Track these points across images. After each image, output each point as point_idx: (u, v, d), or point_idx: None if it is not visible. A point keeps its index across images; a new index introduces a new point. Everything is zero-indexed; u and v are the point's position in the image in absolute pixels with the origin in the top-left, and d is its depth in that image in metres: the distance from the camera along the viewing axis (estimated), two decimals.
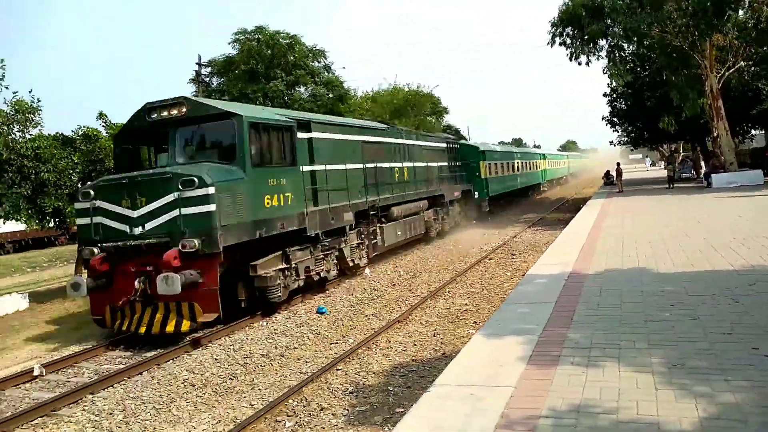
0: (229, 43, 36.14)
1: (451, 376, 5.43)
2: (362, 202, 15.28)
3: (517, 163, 39.77)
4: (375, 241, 16.14)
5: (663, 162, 55.39)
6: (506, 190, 34.88)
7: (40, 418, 7.38)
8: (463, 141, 31.19)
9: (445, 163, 23.83)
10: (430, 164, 21.63)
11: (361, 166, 15.60)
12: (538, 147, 77.24)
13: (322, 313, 11.74)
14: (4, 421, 7.14)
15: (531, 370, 5.26)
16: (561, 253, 12.13)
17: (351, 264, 14.77)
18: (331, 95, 38.14)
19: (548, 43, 30.69)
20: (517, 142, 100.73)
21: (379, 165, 16.67)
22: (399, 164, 18.55)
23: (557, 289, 8.48)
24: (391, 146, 18.21)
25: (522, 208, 36.40)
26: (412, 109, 44.47)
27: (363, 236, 15.40)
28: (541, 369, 5.25)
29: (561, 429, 4.02)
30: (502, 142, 67.00)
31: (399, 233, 17.68)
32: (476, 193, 27.72)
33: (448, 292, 13.12)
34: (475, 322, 10.14)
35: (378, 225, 16.47)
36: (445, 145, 24.49)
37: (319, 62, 38.69)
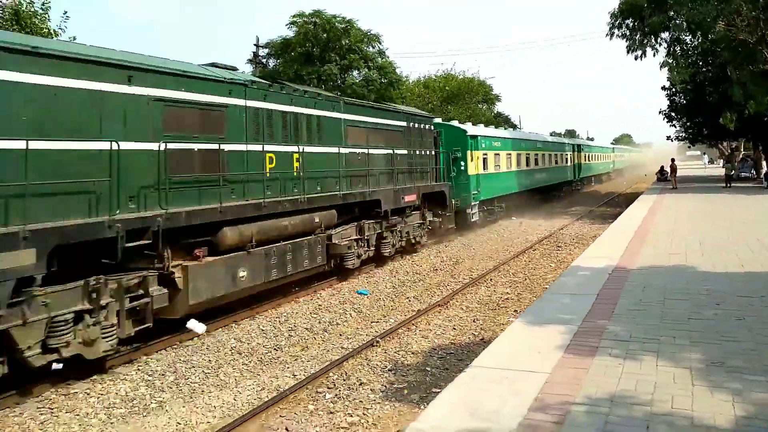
0: (287, 25, 36.66)
1: (488, 360, 5.56)
2: (99, 223, 7.48)
3: (535, 155, 30.90)
4: (148, 301, 8.11)
5: (721, 160, 53.09)
6: (513, 191, 26.28)
7: (97, 375, 7.91)
8: (445, 123, 22.56)
9: (403, 151, 15.86)
10: (357, 150, 13.56)
11: (119, 146, 7.85)
12: (591, 139, 73.76)
13: (363, 294, 12.02)
14: None
15: (568, 358, 5.34)
16: (607, 247, 11.99)
17: (57, 357, 7.03)
18: (383, 80, 38.32)
19: (607, 35, 29.91)
20: (571, 134, 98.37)
21: (185, 146, 8.97)
22: (265, 147, 10.55)
23: (600, 281, 8.46)
24: (251, 114, 10.35)
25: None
26: (465, 97, 44.22)
27: (106, 293, 7.53)
28: (578, 358, 5.32)
29: (594, 416, 4.12)
30: (553, 133, 65.27)
31: (243, 275, 9.61)
32: (457, 195, 20.08)
33: (491, 280, 13.18)
34: (515, 311, 10.21)
35: (180, 264, 8.71)
36: (403, 123, 16.18)
37: (373, 47, 38.88)
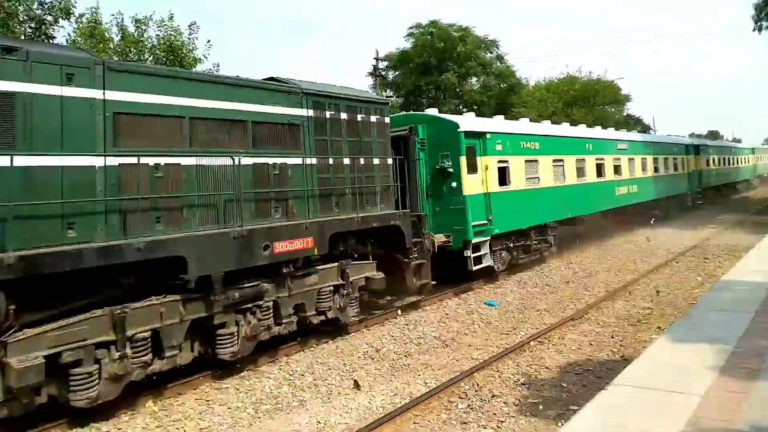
0: (404, 37, 37.55)
1: (631, 378, 5.31)
2: None
3: (615, 160, 21.85)
4: None
5: None
6: (569, 215, 17.64)
7: (246, 371, 8.59)
8: (425, 114, 14.87)
9: (291, 160, 9.17)
10: (151, 161, 7.42)
11: None
12: (738, 141, 66.20)
13: (490, 305, 11.92)
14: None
15: (724, 380, 4.96)
16: (765, 259, 10.86)
17: None
18: (503, 85, 37.89)
19: (754, 29, 27.35)
20: (713, 135, 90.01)
21: None
22: None
23: (758, 298, 7.72)
24: None
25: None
26: (590, 100, 42.32)
27: None
28: (736, 381, 4.92)
29: None
30: (693, 135, 59.83)
31: None
32: (445, 228, 13.08)
33: (629, 293, 12.46)
34: (659, 327, 9.55)
35: None
36: (298, 111, 9.40)
37: (491, 53, 38.62)
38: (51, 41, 15.17)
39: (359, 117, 10.50)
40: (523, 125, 17.86)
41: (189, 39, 17.06)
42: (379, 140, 10.88)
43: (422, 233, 11.69)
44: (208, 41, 18.85)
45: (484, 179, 13.81)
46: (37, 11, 14.87)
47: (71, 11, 15.32)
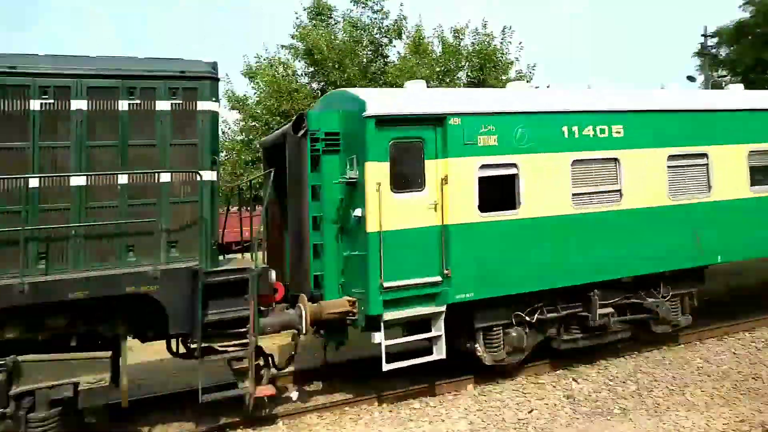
0: (740, 7, 32.07)
1: None
2: None
3: None
4: None
5: None
6: (688, 263, 8.88)
7: (561, 370, 8.48)
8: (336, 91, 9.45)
9: None
10: None
11: None
12: None
13: None
14: (535, 365, 8.52)
15: None
16: None
17: None
18: None
19: None
20: None
21: None
22: None
23: None
24: None
25: None
26: None
27: None
28: None
29: None
30: None
31: None
32: (346, 287, 7.62)
33: None
34: None
35: None
36: None
37: None
38: (386, 60, 17.46)
39: (123, 104, 6.38)
40: (573, 94, 9.53)
41: (502, 43, 17.53)
42: (177, 141, 6.60)
43: (251, 301, 6.62)
44: (520, 43, 18.76)
45: (439, 200, 7.57)
46: (375, 35, 17.22)
47: (401, 32, 17.30)
